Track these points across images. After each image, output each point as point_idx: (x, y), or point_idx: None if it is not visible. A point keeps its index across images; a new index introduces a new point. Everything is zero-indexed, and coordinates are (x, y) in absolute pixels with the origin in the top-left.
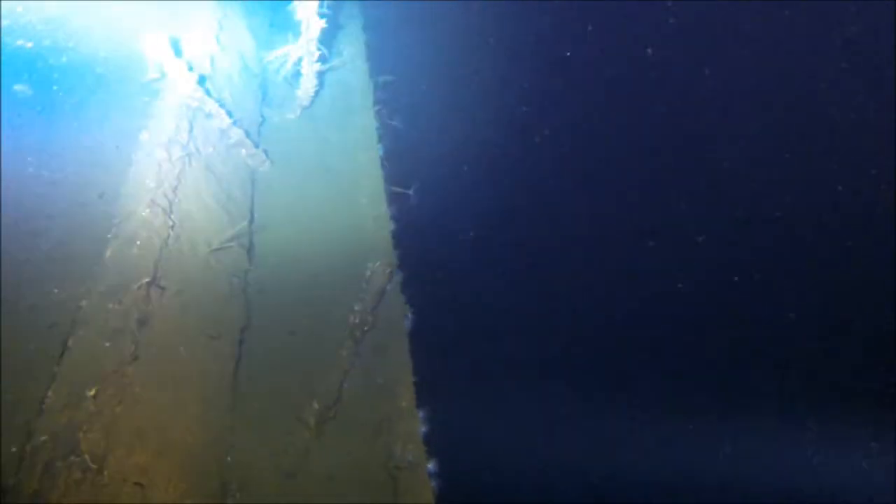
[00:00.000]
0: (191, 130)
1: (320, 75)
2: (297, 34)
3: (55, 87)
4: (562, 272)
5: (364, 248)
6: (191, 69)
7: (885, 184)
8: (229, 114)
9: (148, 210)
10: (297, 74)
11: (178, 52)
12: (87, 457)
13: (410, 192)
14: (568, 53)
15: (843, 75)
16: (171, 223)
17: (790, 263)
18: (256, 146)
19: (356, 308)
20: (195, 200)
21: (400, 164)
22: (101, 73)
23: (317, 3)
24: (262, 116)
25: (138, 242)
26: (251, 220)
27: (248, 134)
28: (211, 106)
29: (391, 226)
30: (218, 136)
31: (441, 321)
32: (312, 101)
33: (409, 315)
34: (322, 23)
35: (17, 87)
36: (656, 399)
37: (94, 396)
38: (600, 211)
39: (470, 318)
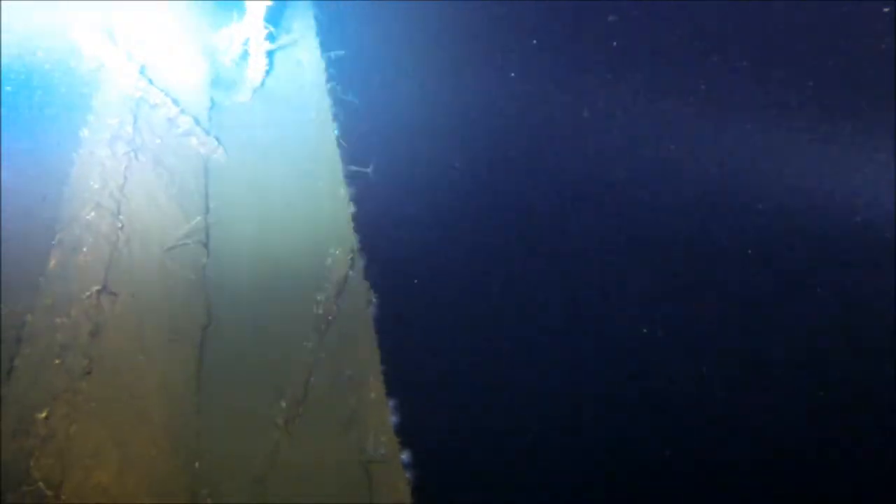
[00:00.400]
0: (135, 123)
1: (270, 54)
2: (242, 13)
3: None
4: (528, 251)
5: (324, 234)
6: (130, 58)
7: None
8: (175, 102)
9: (93, 213)
10: (246, 55)
11: (114, 41)
12: (41, 484)
13: (369, 170)
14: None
15: None
16: (119, 224)
17: None
18: (207, 133)
19: (319, 298)
20: (145, 198)
21: (357, 141)
22: (33, 66)
23: None
24: (212, 101)
25: (85, 249)
26: (206, 213)
27: (197, 121)
28: (155, 95)
29: (351, 208)
30: (165, 127)
31: (407, 306)
32: (263, 82)
33: (374, 301)
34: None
35: None
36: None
37: (46, 418)
38: (563, 180)
39: (436, 301)
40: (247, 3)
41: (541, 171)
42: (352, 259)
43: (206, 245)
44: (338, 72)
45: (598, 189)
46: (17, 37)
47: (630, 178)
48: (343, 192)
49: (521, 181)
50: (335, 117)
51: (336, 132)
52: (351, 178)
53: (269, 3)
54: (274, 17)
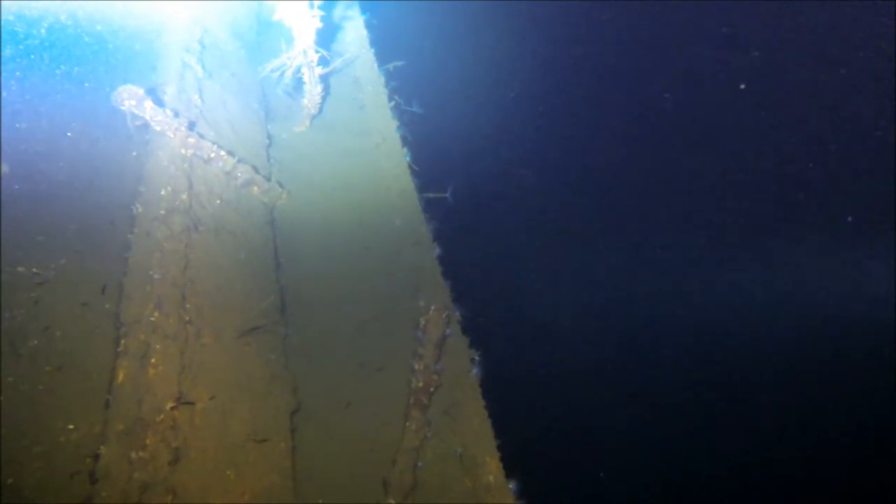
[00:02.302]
0: (191, 188)
1: (324, 79)
2: (290, 41)
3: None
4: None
5: (410, 287)
6: (177, 115)
7: None
8: (231, 152)
9: (157, 312)
10: (300, 83)
11: (159, 101)
12: None
13: (447, 195)
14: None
15: None
16: (186, 318)
17: None
18: (269, 179)
19: (416, 367)
20: (210, 276)
21: (430, 162)
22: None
23: (306, 3)
24: (269, 137)
25: (153, 359)
26: (278, 286)
27: (256, 168)
28: (208, 149)
29: (436, 250)
30: (223, 182)
31: (515, 359)
32: (321, 108)
33: (477, 360)
34: (316, 23)
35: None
36: None
37: None
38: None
39: (546, 348)
40: (294, 30)
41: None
42: (447, 317)
43: (283, 321)
44: (398, 83)
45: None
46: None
47: None
48: (425, 229)
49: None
50: (403, 140)
51: (407, 158)
52: (429, 207)
53: (318, 25)
54: (324, 40)
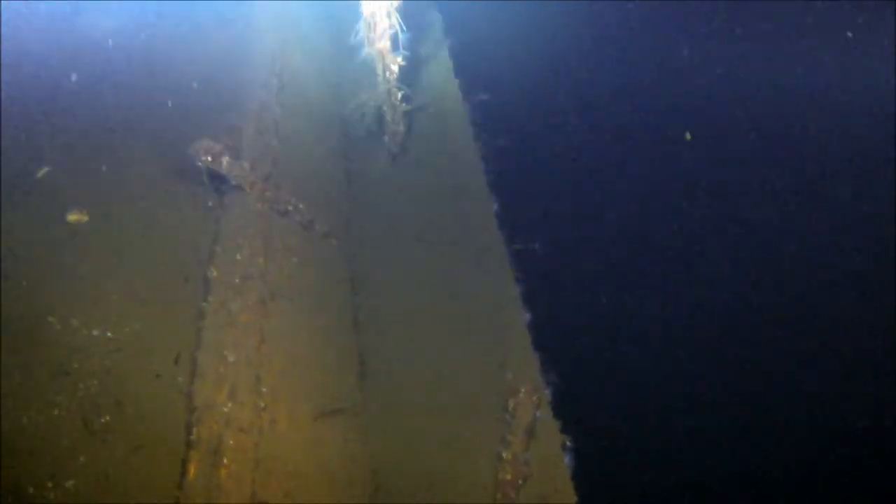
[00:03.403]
0: (267, 248)
1: (408, 115)
2: (373, 79)
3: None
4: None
5: (496, 354)
6: (254, 167)
7: None
8: (308, 202)
9: (231, 402)
10: (381, 120)
11: (236, 151)
12: None
13: (536, 245)
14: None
15: None
16: (262, 405)
17: None
18: (348, 227)
19: (505, 456)
20: (288, 351)
21: (517, 205)
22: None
23: (388, 43)
24: (349, 177)
25: (226, 459)
26: (358, 359)
27: (335, 217)
28: (285, 201)
29: (526, 315)
30: (301, 237)
31: (613, 451)
32: (404, 147)
33: (570, 446)
34: (399, 61)
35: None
36: None
37: None
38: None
39: (651, 434)
40: (377, 66)
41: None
42: (538, 399)
43: (363, 397)
44: (485, 118)
45: None
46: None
47: None
48: (513, 291)
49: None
50: (492, 186)
51: (495, 205)
52: (517, 260)
53: (402, 63)
54: (408, 76)
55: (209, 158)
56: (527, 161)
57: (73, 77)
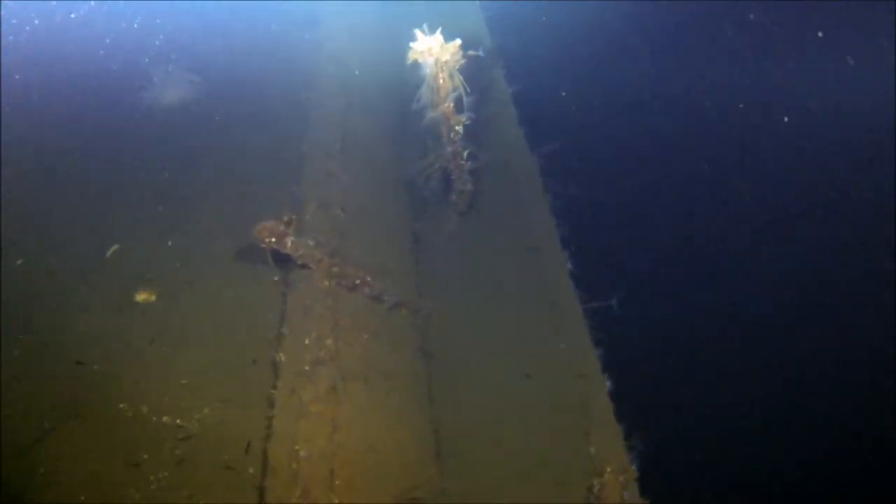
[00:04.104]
0: (336, 328)
1: (474, 173)
2: (437, 139)
3: None
4: None
5: (578, 426)
6: (319, 244)
7: None
8: (376, 273)
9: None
10: (448, 179)
11: (301, 231)
12: None
13: (613, 302)
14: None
15: None
16: (336, 502)
17: None
18: (419, 293)
19: None
20: (362, 438)
21: (592, 262)
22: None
23: (452, 104)
24: (416, 239)
25: None
26: (437, 442)
27: (404, 286)
28: (353, 275)
29: (607, 384)
30: (370, 311)
31: None
32: (470, 204)
33: None
34: (464, 121)
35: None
36: None
37: None
38: None
39: None
40: (442, 128)
41: None
42: (624, 480)
43: (441, 478)
44: (553, 166)
45: None
46: None
47: None
48: (592, 356)
49: None
50: (564, 242)
51: (568, 264)
52: (594, 320)
53: (466, 122)
54: (474, 134)
55: (273, 240)
56: (600, 213)
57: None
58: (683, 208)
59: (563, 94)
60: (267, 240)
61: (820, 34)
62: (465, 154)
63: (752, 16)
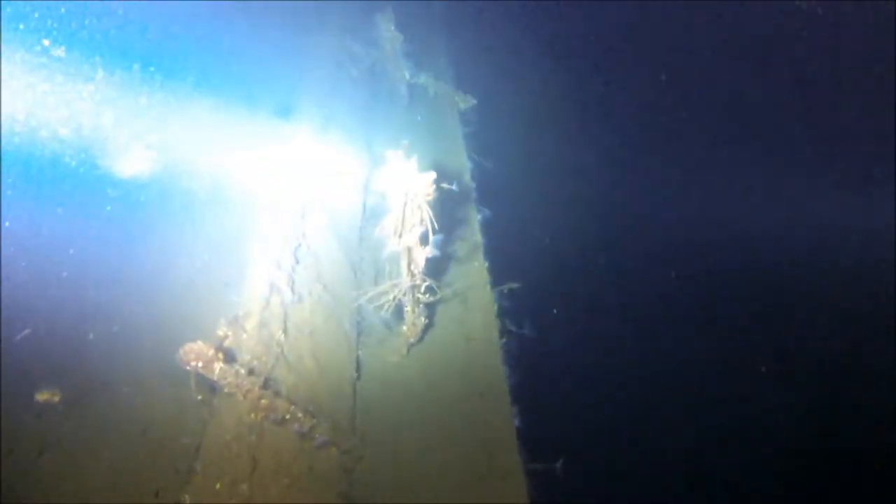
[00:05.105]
0: (254, 470)
1: (430, 307)
2: (395, 267)
3: None
4: None
5: None
6: (251, 371)
7: None
8: (308, 408)
9: None
10: (401, 309)
11: (231, 352)
12: None
13: (557, 465)
14: None
15: None
16: None
17: None
18: (353, 431)
19: None
20: None
21: (539, 420)
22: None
23: (417, 238)
24: (357, 366)
25: None
26: None
27: (337, 424)
28: (283, 409)
29: None
30: (296, 449)
31: None
32: (421, 337)
33: None
34: (429, 252)
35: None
36: None
37: None
38: None
39: None
40: (403, 259)
41: None
42: None
43: None
44: (511, 305)
45: None
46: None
47: None
48: None
49: None
50: (514, 395)
51: (516, 421)
52: (535, 484)
53: (430, 254)
54: (435, 268)
55: (199, 364)
56: (554, 364)
57: (71, 251)
58: (637, 372)
59: (536, 232)
60: (193, 363)
61: None
62: (424, 287)
63: None
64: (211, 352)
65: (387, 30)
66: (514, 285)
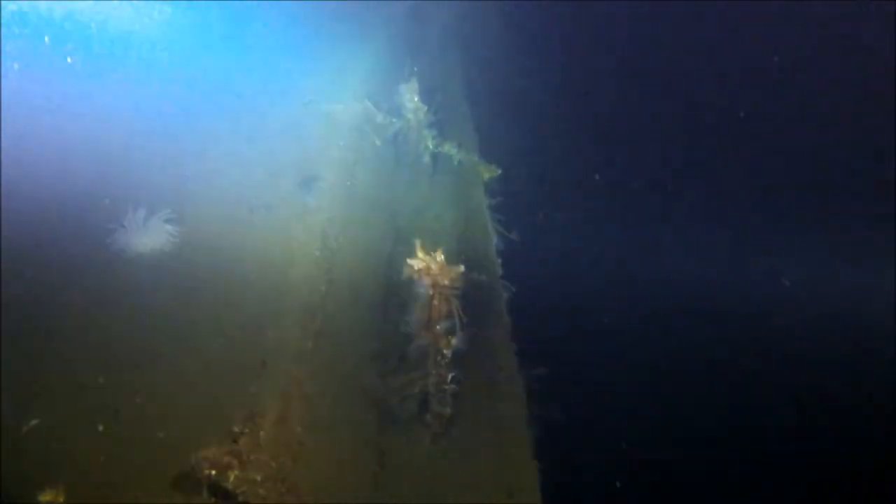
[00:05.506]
0: None
1: (455, 398)
2: (419, 357)
3: None
4: None
5: None
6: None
7: None
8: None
9: None
10: (425, 398)
11: (245, 462)
12: None
13: None
14: None
15: None
16: None
17: None
18: None
19: None
20: None
21: None
22: None
23: (444, 329)
24: (381, 456)
25: None
26: None
27: None
28: None
29: None
30: None
31: None
32: (446, 428)
33: None
34: (457, 344)
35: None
36: None
37: None
38: None
39: None
40: (429, 350)
41: None
42: None
43: None
44: (542, 391)
45: None
46: None
47: None
48: None
49: None
50: (544, 491)
51: None
52: None
53: (457, 347)
54: (461, 359)
55: (214, 472)
56: (589, 456)
57: None
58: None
59: (564, 319)
60: (207, 471)
61: None
62: (450, 377)
63: None
64: (226, 458)
65: (410, 101)
66: (543, 371)
